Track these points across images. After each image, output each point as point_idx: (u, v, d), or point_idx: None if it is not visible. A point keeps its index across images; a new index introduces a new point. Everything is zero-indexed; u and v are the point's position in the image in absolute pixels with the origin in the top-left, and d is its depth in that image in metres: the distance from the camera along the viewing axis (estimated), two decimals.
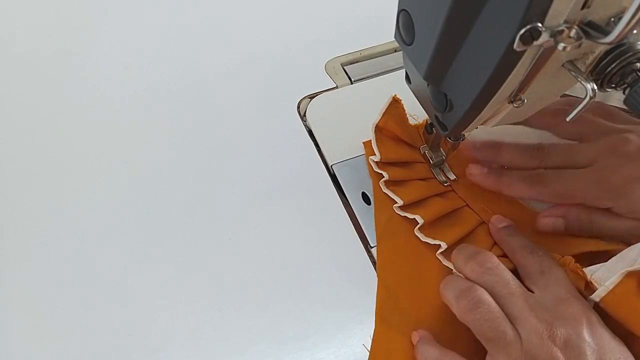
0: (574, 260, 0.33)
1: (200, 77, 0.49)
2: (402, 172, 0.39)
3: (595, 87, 0.24)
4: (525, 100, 0.27)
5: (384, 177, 0.38)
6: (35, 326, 0.34)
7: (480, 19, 0.23)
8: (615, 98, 0.45)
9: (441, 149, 0.39)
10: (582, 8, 0.21)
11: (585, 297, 0.30)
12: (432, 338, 0.32)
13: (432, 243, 0.35)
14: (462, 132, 0.34)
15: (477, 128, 0.33)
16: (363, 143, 0.42)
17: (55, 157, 0.43)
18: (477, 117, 0.29)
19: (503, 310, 0.29)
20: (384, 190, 0.38)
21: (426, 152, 0.40)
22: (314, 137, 0.44)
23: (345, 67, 0.50)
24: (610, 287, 0.29)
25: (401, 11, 0.28)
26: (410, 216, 0.37)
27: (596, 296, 0.29)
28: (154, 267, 0.37)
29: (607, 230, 0.34)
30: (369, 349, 0.33)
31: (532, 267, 0.32)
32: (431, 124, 0.37)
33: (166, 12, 0.55)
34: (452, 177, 0.40)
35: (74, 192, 0.41)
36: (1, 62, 0.50)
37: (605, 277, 0.30)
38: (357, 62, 0.51)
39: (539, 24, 0.21)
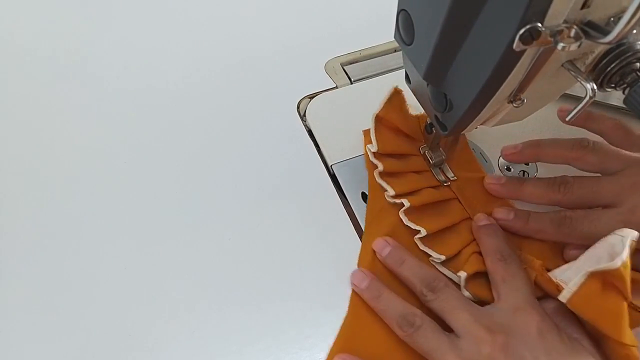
0: (542, 263, 0.33)
1: (199, 77, 0.49)
2: (398, 164, 0.40)
3: (595, 87, 0.24)
4: (525, 100, 0.27)
5: (378, 167, 0.39)
6: (35, 326, 0.34)
7: (479, 19, 0.23)
8: (615, 97, 0.45)
9: (441, 148, 0.39)
10: (582, 8, 0.21)
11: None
12: None
13: (413, 228, 0.36)
14: (462, 132, 0.34)
15: (476, 128, 0.33)
16: (363, 131, 0.42)
17: (55, 157, 0.43)
18: (477, 117, 0.29)
19: (451, 325, 0.31)
20: (378, 180, 0.39)
21: (426, 152, 0.40)
22: (314, 137, 0.44)
23: (345, 67, 0.50)
24: (574, 289, 0.29)
25: (401, 11, 0.28)
26: (399, 201, 0.37)
27: (562, 297, 0.29)
28: (153, 267, 0.37)
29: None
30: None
31: (497, 274, 0.33)
32: (431, 124, 0.37)
33: (165, 13, 0.55)
34: (452, 176, 0.40)
35: (73, 192, 0.41)
36: (1, 62, 0.50)
37: (573, 277, 0.30)
38: (356, 62, 0.51)
39: (539, 24, 0.21)
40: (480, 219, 0.37)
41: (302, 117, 0.46)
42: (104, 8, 0.55)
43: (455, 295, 0.32)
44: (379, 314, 0.33)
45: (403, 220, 0.37)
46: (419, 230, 0.35)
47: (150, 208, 0.40)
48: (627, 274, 0.28)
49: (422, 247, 0.36)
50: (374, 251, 0.36)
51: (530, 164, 0.42)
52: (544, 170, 0.42)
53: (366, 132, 0.42)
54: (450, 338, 0.30)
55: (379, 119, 0.40)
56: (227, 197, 0.41)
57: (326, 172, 0.42)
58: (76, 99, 0.47)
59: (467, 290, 0.34)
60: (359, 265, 0.36)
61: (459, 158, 0.41)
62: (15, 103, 0.46)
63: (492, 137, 0.43)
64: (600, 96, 0.45)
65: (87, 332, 0.34)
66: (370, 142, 0.40)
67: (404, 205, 0.36)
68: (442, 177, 0.40)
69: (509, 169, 0.42)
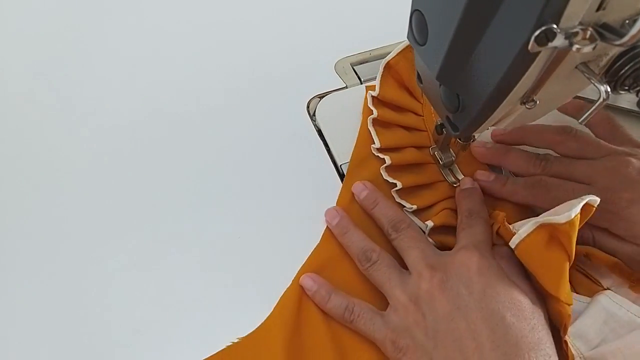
0: (504, 215, 0.34)
1: (209, 77, 0.49)
2: (391, 115, 0.41)
3: (609, 89, 0.24)
4: (538, 102, 0.27)
5: (373, 114, 0.40)
6: (42, 323, 0.35)
7: (494, 19, 0.23)
8: (625, 100, 0.45)
9: (451, 149, 0.39)
10: (597, 10, 0.21)
11: None
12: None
13: (391, 181, 0.38)
14: (473, 134, 0.34)
15: (487, 129, 0.33)
16: (365, 86, 0.44)
17: (62, 153, 0.43)
18: (489, 118, 0.29)
19: (405, 262, 0.34)
20: (369, 127, 0.41)
21: (436, 152, 0.40)
22: (323, 136, 0.44)
23: (354, 67, 0.50)
24: (523, 236, 0.30)
25: (414, 11, 0.28)
26: (382, 156, 0.39)
27: (512, 243, 0.31)
28: (162, 265, 0.37)
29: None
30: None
31: (460, 226, 0.35)
32: (442, 124, 0.37)
33: (176, 10, 0.55)
34: (462, 177, 0.40)
35: (82, 190, 0.41)
36: (4, 61, 0.50)
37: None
38: (366, 62, 0.51)
39: (554, 26, 0.21)
40: (465, 183, 0.38)
41: (312, 116, 0.46)
42: (106, 11, 0.55)
43: (414, 235, 0.35)
44: (345, 249, 0.36)
45: (382, 175, 0.39)
46: (396, 184, 0.38)
47: (160, 206, 0.40)
48: (574, 232, 0.28)
49: (397, 199, 0.38)
50: (353, 194, 0.39)
51: None
52: None
53: (369, 87, 0.44)
54: (401, 274, 0.33)
55: (388, 67, 0.42)
56: (237, 196, 0.41)
57: (335, 172, 0.42)
58: (82, 96, 0.47)
59: (430, 238, 0.36)
60: (336, 204, 0.39)
61: (469, 159, 0.41)
62: (19, 102, 0.47)
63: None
64: (610, 99, 0.45)
65: (94, 329, 0.34)
66: (373, 90, 0.42)
67: (385, 162, 0.38)
68: (452, 178, 0.40)
69: None
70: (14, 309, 0.35)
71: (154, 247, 0.38)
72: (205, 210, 0.40)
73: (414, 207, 0.37)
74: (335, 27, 0.54)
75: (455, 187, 0.39)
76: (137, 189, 0.41)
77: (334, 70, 0.50)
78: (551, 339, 0.29)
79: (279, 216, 0.40)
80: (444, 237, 0.37)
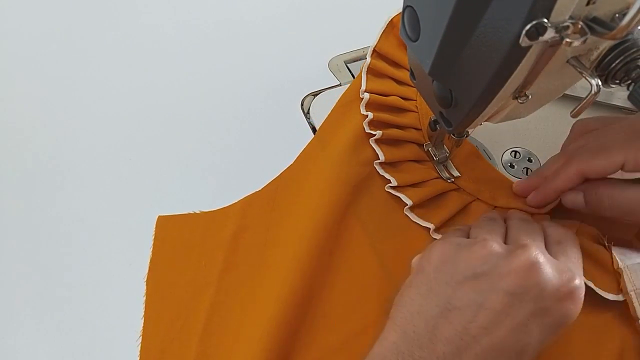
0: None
1: (204, 75, 0.49)
2: (387, 116, 0.41)
3: (600, 83, 0.24)
4: (530, 96, 0.27)
5: (362, 87, 0.42)
6: (40, 324, 0.34)
7: (486, 14, 0.23)
8: (617, 97, 0.46)
9: (445, 146, 0.40)
10: (588, 4, 0.21)
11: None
12: None
13: (388, 177, 0.38)
14: (467, 129, 0.34)
15: (481, 124, 0.33)
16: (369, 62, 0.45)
17: (60, 153, 0.43)
18: (482, 113, 0.29)
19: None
20: (362, 92, 0.41)
21: (430, 149, 0.40)
22: None
23: (348, 65, 0.50)
24: None
25: (406, 7, 0.28)
26: (374, 132, 0.39)
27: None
28: None
29: (627, 204, 0.31)
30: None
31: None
32: (435, 120, 0.37)
33: (170, 10, 0.55)
34: (456, 173, 0.40)
35: (79, 189, 0.41)
36: (4, 60, 0.50)
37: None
38: (360, 59, 0.51)
39: (545, 20, 0.21)
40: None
41: (306, 114, 0.46)
42: (110, 5, 0.55)
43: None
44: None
45: (378, 170, 0.39)
46: (390, 180, 0.38)
47: (155, 205, 0.40)
48: None
49: (394, 193, 0.38)
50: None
51: (533, 160, 0.42)
52: None
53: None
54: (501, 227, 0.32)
55: (376, 53, 0.44)
56: (231, 194, 0.41)
57: None
58: (81, 95, 0.47)
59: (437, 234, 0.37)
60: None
61: (463, 155, 0.41)
62: (19, 99, 0.47)
63: (495, 133, 0.43)
64: (603, 97, 0.45)
65: (93, 330, 0.34)
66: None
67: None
68: (446, 174, 0.40)
69: (512, 166, 0.42)
70: (9, 311, 0.35)
71: (150, 247, 0.38)
72: (201, 209, 0.40)
73: (411, 202, 0.37)
74: (328, 25, 0.54)
75: (450, 182, 0.39)
76: (132, 188, 0.41)
77: (328, 68, 0.50)
78: None
79: None
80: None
